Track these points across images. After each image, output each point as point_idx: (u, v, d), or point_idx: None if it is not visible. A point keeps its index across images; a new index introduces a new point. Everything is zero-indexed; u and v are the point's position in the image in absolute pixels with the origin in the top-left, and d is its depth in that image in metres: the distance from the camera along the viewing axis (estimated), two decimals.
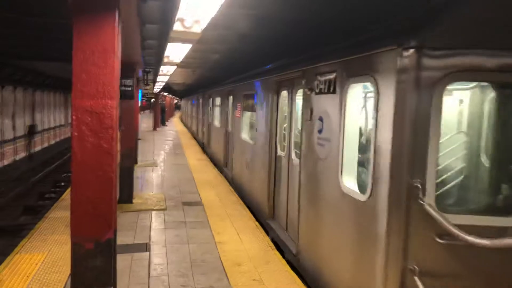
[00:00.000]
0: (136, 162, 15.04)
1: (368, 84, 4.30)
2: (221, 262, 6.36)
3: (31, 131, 21.18)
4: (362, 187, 4.41)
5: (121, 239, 7.24)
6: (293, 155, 7.08)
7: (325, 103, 5.23)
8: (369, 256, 4.06)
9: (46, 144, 24.83)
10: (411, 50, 3.45)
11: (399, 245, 3.68)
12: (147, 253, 6.68)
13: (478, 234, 3.17)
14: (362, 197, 4.19)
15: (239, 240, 7.35)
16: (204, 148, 20.11)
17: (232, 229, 7.96)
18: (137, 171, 13.70)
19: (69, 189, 10.80)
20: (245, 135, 10.87)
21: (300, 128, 6.42)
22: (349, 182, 4.62)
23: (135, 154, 13.17)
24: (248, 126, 10.75)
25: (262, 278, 5.84)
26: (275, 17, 5.16)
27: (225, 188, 11.56)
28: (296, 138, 7.01)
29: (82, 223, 3.36)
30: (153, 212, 8.99)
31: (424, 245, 3.61)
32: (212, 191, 11.14)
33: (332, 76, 4.95)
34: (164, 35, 6.27)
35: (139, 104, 21.58)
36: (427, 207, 3.50)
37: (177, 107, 72.56)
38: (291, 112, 7.18)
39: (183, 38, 5.34)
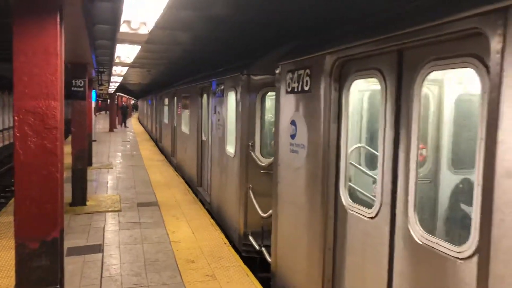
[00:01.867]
0: (90, 164, 14.78)
1: (234, 92, 7.45)
2: (175, 260, 6.44)
3: None
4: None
5: (73, 242, 7.17)
6: (209, 139, 9.90)
7: (219, 103, 8.50)
8: (232, 184, 7.54)
9: None
10: (245, 75, 6.90)
11: (243, 175, 7.01)
12: (100, 254, 6.65)
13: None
14: (233, 155, 7.49)
15: (194, 238, 7.45)
16: (157, 143, 22.79)
17: (186, 227, 8.04)
18: (92, 173, 13.48)
19: None
20: (184, 128, 13.59)
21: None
22: (229, 148, 7.82)
23: (88, 155, 12.93)
24: (186, 121, 13.22)
25: (215, 273, 5.97)
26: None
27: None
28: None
29: (26, 223, 3.37)
30: (108, 214, 8.92)
31: (254, 174, 6.93)
32: (169, 191, 11.16)
33: (222, 87, 8.26)
34: (113, 35, 6.27)
35: (94, 105, 21.10)
36: (253, 155, 6.89)
37: (135, 107, 71.18)
38: (208, 109, 10.12)
39: (131, 39, 5.38)
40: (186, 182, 12.56)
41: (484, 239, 2.32)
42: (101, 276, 5.82)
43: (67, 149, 11.67)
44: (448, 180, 4.51)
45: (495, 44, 2.24)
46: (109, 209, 9.23)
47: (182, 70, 13.00)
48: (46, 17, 3.32)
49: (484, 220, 2.32)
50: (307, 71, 4.41)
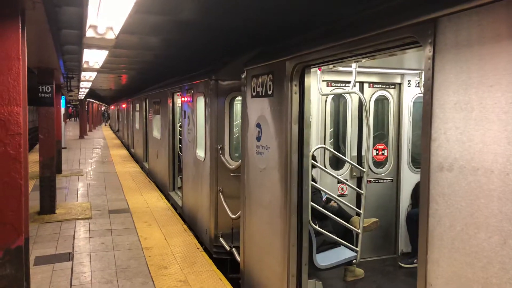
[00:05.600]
0: (60, 172, 14.47)
1: (203, 97, 7.53)
2: (147, 266, 6.38)
3: None
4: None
5: (41, 250, 7.01)
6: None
7: (189, 107, 8.64)
8: (203, 187, 7.55)
9: None
10: (213, 81, 6.99)
11: (214, 178, 7.06)
12: (70, 262, 6.53)
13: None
14: (203, 159, 7.55)
15: (166, 244, 7.39)
16: (129, 149, 22.39)
17: (159, 233, 7.97)
18: (62, 181, 13.21)
19: None
20: (155, 132, 13.45)
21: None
22: (199, 152, 7.93)
23: (57, 163, 12.67)
24: (157, 126, 13.09)
25: (188, 279, 5.94)
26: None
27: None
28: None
29: None
30: (78, 222, 8.76)
31: (224, 177, 7.02)
32: (141, 198, 11.04)
33: (191, 92, 8.38)
34: (80, 40, 6.17)
35: (63, 111, 20.67)
36: (222, 158, 6.96)
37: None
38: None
39: (98, 44, 5.31)
40: (159, 188, 12.47)
41: (422, 228, 2.49)
42: (71, 285, 5.71)
43: (36, 156, 11.40)
44: (408, 178, 4.84)
45: (427, 51, 2.43)
46: (79, 217, 9.06)
47: (154, 75, 12.90)
48: (7, 21, 3.26)
49: (422, 211, 2.48)
50: (270, 76, 4.67)
